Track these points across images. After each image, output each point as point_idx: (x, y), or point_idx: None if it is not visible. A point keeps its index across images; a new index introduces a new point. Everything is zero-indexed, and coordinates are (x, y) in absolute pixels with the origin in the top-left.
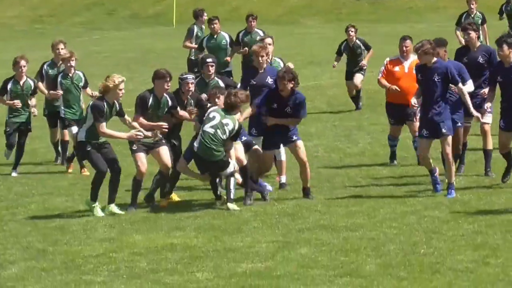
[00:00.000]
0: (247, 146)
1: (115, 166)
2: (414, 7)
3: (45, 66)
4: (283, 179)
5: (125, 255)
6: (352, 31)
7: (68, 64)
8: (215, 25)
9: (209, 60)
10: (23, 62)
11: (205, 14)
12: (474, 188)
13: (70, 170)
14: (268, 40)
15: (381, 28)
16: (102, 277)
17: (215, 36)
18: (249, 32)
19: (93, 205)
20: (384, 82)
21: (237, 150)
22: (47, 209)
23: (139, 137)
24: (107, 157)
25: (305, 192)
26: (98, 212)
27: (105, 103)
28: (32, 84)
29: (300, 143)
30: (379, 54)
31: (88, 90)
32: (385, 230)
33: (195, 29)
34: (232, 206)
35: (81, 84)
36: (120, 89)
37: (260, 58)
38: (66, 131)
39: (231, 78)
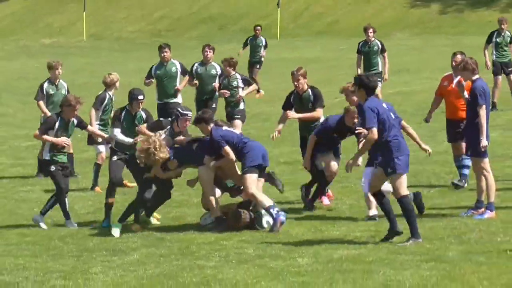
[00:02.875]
0: None
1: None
2: (494, 21)
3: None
4: None
5: (234, 242)
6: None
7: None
8: (165, 54)
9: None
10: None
11: None
12: None
13: None
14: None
15: (464, 39)
16: (214, 262)
17: (164, 64)
18: (367, 43)
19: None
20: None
21: None
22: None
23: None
24: None
25: None
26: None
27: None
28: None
29: None
30: None
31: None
32: (466, 220)
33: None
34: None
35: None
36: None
37: None
38: None
39: None
